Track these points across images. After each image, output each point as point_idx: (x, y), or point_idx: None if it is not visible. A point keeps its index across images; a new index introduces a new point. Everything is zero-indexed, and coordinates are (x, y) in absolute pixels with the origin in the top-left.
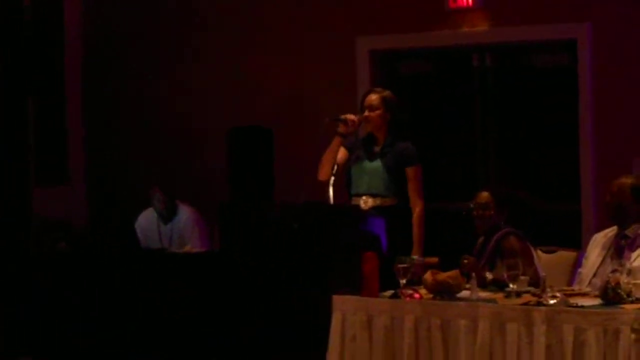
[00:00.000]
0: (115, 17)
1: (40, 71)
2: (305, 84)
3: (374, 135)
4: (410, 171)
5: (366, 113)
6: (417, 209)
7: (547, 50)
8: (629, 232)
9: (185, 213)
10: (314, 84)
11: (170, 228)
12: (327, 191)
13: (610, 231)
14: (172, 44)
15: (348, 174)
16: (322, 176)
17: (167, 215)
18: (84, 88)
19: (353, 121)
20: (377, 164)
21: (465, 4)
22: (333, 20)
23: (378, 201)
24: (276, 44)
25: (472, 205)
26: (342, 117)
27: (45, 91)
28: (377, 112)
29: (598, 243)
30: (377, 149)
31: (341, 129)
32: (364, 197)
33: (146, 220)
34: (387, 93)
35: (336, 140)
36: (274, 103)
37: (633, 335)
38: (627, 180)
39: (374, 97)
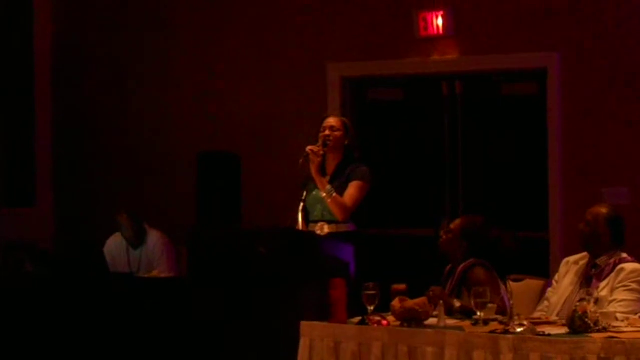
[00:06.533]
0: (85, 38)
1: (9, 91)
2: (275, 110)
3: (326, 162)
4: (350, 184)
5: (327, 132)
6: (344, 203)
7: (517, 79)
8: (599, 261)
9: (154, 238)
10: (284, 109)
11: (139, 253)
12: (297, 217)
13: (582, 258)
14: (142, 67)
15: (304, 202)
16: None
17: (136, 241)
18: (53, 110)
19: (313, 151)
20: None
21: (435, 32)
22: (304, 47)
23: (334, 227)
24: (247, 69)
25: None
26: (306, 153)
27: (13, 112)
28: (339, 133)
29: (570, 269)
30: (327, 178)
31: (313, 162)
32: (319, 224)
33: (115, 244)
34: (345, 119)
35: (316, 176)
36: (244, 128)
37: None
38: (602, 210)
39: (334, 120)
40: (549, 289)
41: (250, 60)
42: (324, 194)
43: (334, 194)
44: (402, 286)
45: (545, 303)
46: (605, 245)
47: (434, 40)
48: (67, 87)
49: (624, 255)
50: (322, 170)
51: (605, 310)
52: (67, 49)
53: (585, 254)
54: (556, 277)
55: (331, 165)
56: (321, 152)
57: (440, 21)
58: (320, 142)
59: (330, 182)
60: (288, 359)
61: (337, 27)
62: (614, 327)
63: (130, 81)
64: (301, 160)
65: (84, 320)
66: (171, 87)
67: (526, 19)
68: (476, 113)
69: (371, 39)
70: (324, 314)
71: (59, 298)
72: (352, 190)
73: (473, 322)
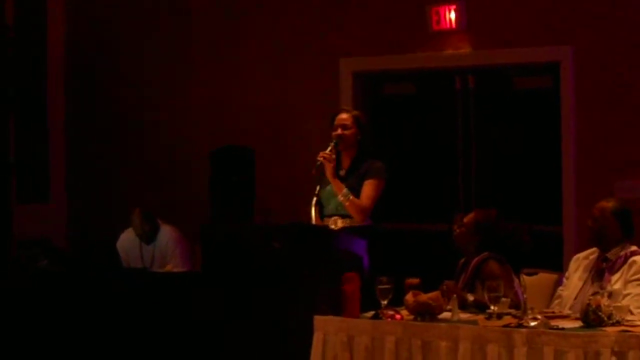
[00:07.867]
0: (99, 36)
1: (22, 88)
2: (289, 105)
3: (341, 158)
4: (366, 183)
5: (339, 131)
6: (362, 205)
7: (530, 72)
8: (610, 254)
9: (166, 233)
10: (297, 105)
11: (152, 248)
12: (310, 211)
13: (592, 253)
14: (155, 65)
15: (319, 197)
16: None
17: (149, 236)
18: (67, 106)
19: (325, 157)
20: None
21: (448, 26)
22: (317, 42)
23: (347, 222)
24: (260, 65)
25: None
26: (318, 161)
27: (27, 109)
28: (351, 130)
29: (580, 264)
30: (342, 172)
31: (327, 167)
32: (333, 218)
33: (128, 239)
34: (357, 112)
35: (332, 180)
36: (258, 124)
37: (614, 358)
38: (608, 204)
39: (345, 116)
40: (560, 287)
41: (263, 56)
42: (342, 198)
43: (351, 197)
44: (416, 280)
45: (557, 301)
46: (614, 238)
47: (446, 34)
48: (81, 84)
49: (634, 247)
50: (337, 167)
51: (619, 304)
52: (81, 44)
53: (594, 249)
54: (566, 274)
55: (346, 161)
56: (333, 156)
57: (453, 15)
58: (331, 145)
59: (346, 178)
60: (302, 353)
61: (349, 22)
62: (628, 320)
63: (144, 78)
64: (313, 172)
65: (99, 317)
66: (185, 83)
67: (539, 13)
68: (489, 107)
69: (384, 33)
70: (337, 308)
71: (72, 294)
72: (368, 189)
73: (487, 316)
